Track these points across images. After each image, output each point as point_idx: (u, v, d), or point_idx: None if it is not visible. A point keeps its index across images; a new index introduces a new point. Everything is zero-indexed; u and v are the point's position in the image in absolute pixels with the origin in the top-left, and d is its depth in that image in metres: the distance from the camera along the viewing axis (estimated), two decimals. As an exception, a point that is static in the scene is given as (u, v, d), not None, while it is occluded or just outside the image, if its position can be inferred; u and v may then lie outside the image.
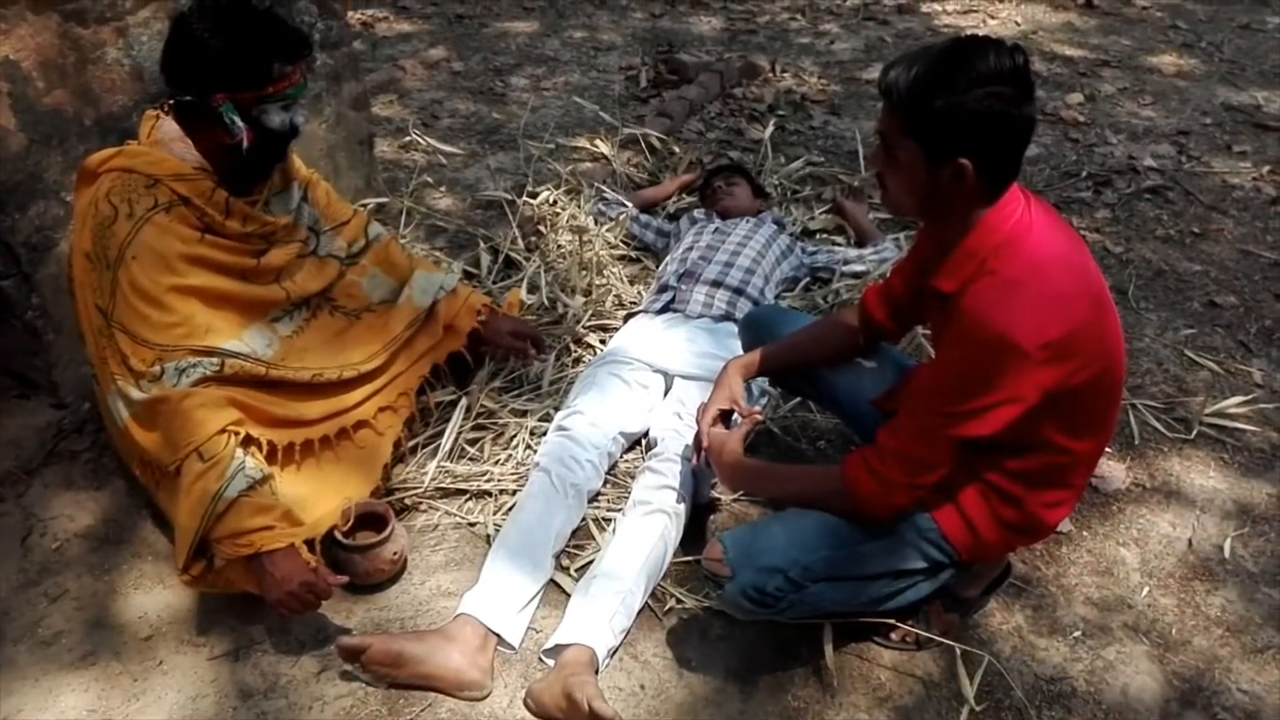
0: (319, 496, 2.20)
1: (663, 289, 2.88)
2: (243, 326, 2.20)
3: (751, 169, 3.75)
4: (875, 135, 1.74)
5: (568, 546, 2.29)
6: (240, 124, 2.03)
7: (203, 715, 1.95)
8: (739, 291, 2.80)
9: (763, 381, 2.50)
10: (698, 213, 3.36)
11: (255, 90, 2.02)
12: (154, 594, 2.20)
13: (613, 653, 2.04)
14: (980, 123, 1.57)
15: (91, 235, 2.05)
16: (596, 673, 1.96)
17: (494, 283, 3.16)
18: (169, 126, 2.12)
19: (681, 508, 2.25)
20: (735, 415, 2.18)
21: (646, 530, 2.18)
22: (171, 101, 2.10)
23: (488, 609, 2.04)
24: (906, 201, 1.74)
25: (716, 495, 2.41)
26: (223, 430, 2.02)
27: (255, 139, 2.06)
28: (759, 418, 2.13)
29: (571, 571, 2.24)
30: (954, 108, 1.56)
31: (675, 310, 2.78)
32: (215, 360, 2.10)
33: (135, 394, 2.04)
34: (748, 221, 3.14)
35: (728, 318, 2.73)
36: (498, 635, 2.03)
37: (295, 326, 2.35)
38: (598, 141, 4.08)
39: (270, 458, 2.13)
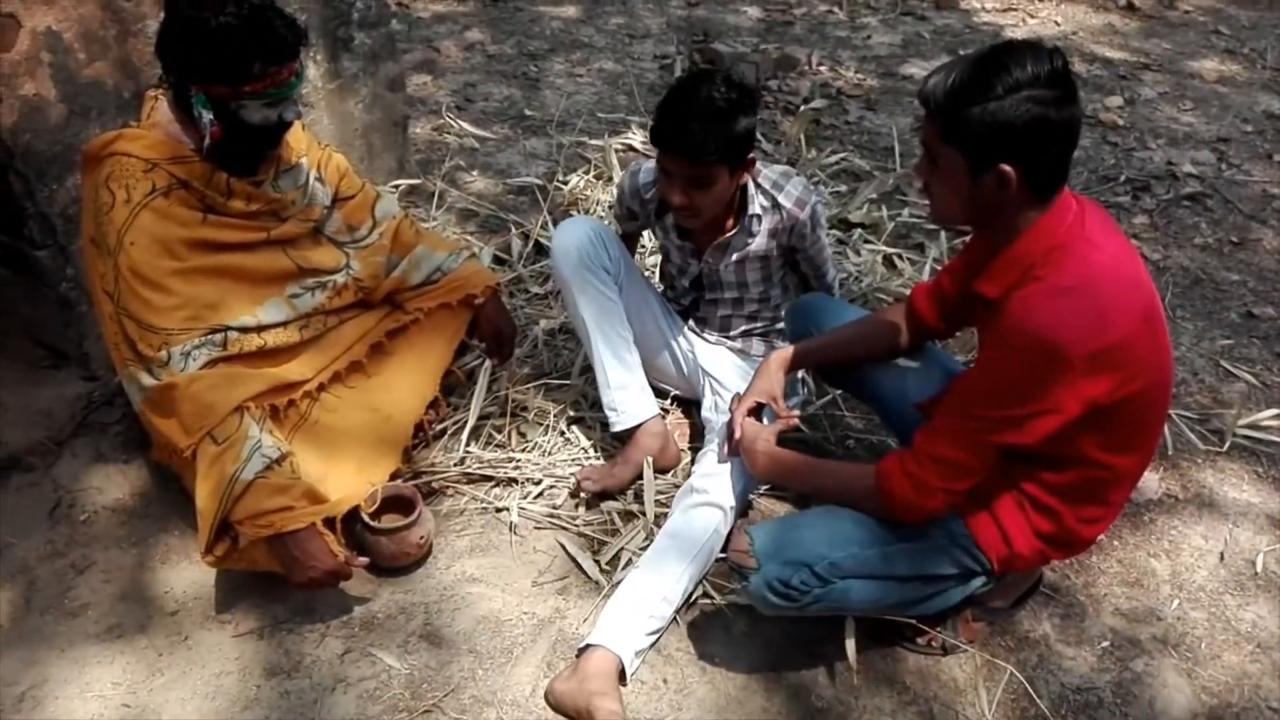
0: (339, 476, 2.19)
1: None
2: (256, 302, 2.17)
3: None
4: (920, 145, 1.72)
5: (596, 538, 2.28)
6: (207, 118, 1.94)
7: (226, 692, 1.96)
8: (748, 352, 2.52)
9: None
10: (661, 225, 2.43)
11: (230, 87, 1.92)
12: (181, 569, 2.21)
13: (642, 653, 2.01)
14: (1019, 128, 1.54)
15: (93, 222, 2.02)
16: (623, 678, 1.94)
17: (524, 267, 3.15)
18: (166, 107, 2.06)
19: (734, 502, 2.15)
20: (769, 410, 2.16)
21: (697, 525, 2.11)
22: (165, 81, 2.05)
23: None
24: (953, 211, 1.71)
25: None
26: (235, 410, 2.00)
27: (227, 134, 1.97)
28: (795, 421, 2.10)
29: (603, 565, 2.22)
30: (992, 114, 1.54)
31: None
32: (218, 338, 2.08)
33: (147, 380, 2.03)
34: (726, 260, 2.33)
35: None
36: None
37: (316, 303, 2.29)
38: (631, 130, 4.06)
39: (272, 418, 2.12)
